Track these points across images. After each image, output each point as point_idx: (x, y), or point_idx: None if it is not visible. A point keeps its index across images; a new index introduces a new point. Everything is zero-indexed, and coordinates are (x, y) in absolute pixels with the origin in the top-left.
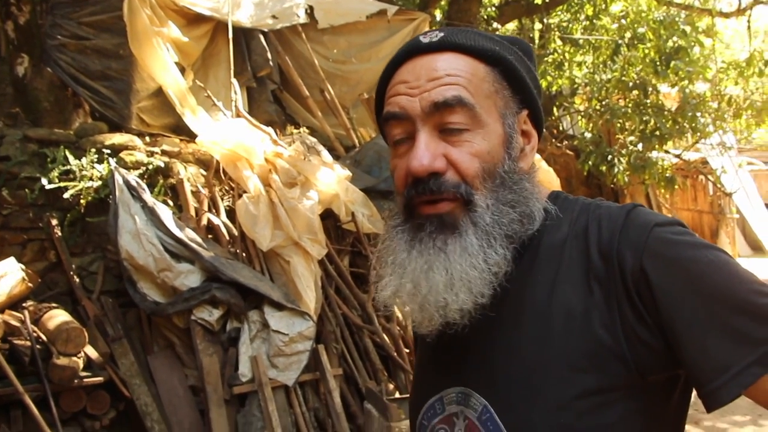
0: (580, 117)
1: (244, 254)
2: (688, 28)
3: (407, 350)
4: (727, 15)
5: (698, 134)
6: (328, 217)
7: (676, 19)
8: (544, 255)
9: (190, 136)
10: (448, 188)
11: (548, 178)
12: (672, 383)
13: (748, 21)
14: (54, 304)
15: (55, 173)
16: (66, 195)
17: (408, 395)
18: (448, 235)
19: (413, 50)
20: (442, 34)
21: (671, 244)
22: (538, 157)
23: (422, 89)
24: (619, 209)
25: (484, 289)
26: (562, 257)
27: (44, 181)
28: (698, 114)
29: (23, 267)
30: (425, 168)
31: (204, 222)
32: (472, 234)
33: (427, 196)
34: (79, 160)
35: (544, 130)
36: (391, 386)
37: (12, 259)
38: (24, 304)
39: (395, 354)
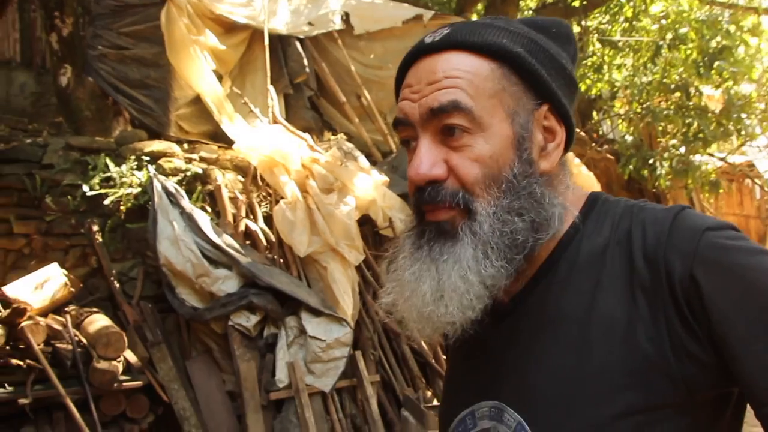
0: (620, 120)
1: (281, 260)
2: (732, 28)
3: (445, 357)
4: None
5: (744, 136)
6: (365, 222)
7: (720, 18)
8: (584, 261)
9: (228, 143)
10: (446, 197)
11: (588, 183)
12: (724, 401)
13: None
14: (95, 309)
15: (96, 180)
16: (106, 201)
17: None
18: (444, 243)
19: (418, 51)
20: (446, 31)
21: (724, 250)
22: (577, 161)
23: (422, 94)
24: (665, 212)
25: (475, 303)
26: (603, 264)
27: (86, 188)
28: (744, 116)
29: (66, 272)
30: (421, 177)
31: (242, 228)
32: (468, 244)
33: (426, 204)
34: (119, 167)
35: (584, 134)
36: (429, 393)
37: (55, 265)
38: (66, 309)
39: (433, 361)
